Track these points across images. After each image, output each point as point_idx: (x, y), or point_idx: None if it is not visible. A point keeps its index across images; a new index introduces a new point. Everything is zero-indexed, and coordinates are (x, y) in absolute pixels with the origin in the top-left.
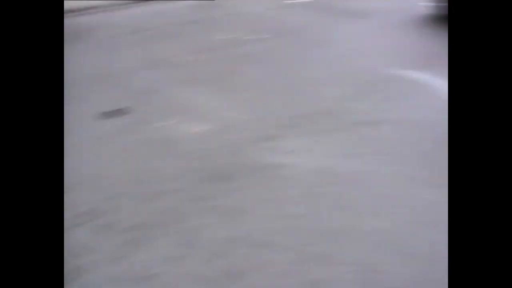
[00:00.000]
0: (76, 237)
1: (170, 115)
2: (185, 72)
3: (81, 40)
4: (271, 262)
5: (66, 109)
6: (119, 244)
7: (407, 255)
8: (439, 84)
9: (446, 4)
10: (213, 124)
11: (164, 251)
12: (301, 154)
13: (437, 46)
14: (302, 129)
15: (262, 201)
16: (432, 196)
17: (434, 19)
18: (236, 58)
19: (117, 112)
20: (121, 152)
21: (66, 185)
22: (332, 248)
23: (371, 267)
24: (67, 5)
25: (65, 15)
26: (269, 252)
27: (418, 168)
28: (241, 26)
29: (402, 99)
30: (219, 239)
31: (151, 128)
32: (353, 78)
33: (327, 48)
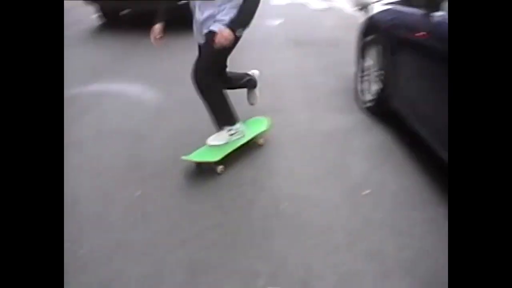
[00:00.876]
0: None
1: None
2: None
3: None
4: None
5: None
6: None
7: None
8: (123, 90)
9: (101, 13)
10: None
11: None
12: None
13: (108, 56)
14: None
15: None
16: None
17: (99, 30)
18: None
19: None
20: None
21: None
22: None
23: None
24: None
25: None
26: None
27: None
28: None
29: (86, 117)
30: None
31: None
32: None
33: None
